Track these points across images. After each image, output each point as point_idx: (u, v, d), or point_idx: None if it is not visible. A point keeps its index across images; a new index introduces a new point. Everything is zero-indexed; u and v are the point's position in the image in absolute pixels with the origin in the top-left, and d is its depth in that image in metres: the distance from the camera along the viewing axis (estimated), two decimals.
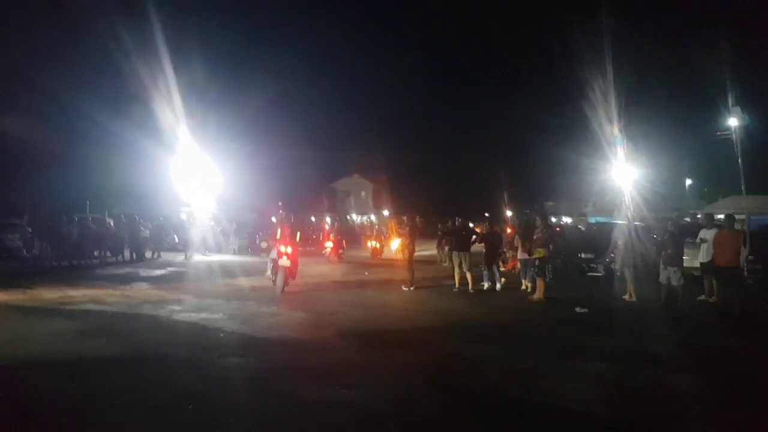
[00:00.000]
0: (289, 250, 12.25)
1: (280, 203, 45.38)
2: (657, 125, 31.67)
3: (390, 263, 20.81)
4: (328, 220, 47.69)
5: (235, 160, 32.56)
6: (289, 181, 51.14)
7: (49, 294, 11.77)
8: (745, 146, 23.15)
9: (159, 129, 27.87)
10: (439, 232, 22.48)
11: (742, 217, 29.44)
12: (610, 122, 24.97)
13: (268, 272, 12.93)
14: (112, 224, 22.84)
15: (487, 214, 35.63)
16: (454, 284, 13.34)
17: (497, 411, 5.10)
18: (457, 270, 13.42)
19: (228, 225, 29.77)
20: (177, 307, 10.32)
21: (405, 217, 16.52)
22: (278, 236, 12.63)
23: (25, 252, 19.81)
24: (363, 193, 65.82)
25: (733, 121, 22.48)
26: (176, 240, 26.88)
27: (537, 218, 12.88)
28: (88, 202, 27.89)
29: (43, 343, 7.40)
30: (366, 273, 18.04)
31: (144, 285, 13.83)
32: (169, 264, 20.21)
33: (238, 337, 7.83)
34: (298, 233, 13.56)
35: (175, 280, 15.19)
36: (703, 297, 11.39)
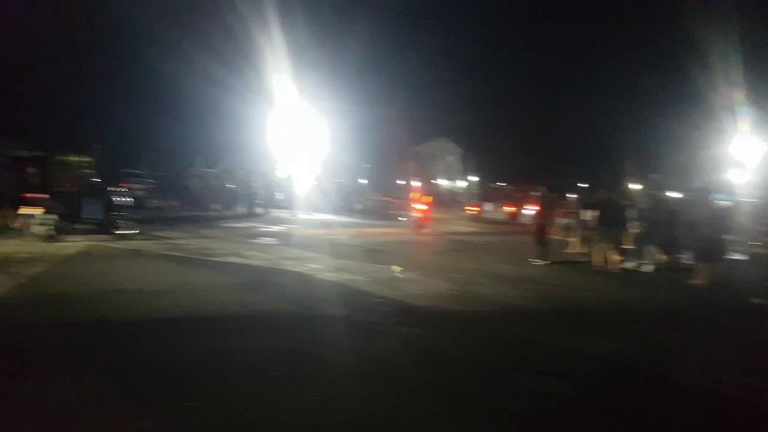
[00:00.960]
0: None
1: (368, 165, 45.31)
2: None
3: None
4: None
5: (333, 119, 32.63)
6: (375, 142, 50.86)
7: (189, 245, 12.05)
8: None
9: (264, 86, 28.12)
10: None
11: None
12: (731, 88, 22.49)
13: None
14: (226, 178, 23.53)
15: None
16: (591, 261, 12.41)
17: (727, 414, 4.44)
18: (600, 246, 12.41)
19: (329, 185, 29.96)
20: (316, 266, 10.22)
21: (543, 188, 15.56)
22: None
23: (149, 203, 20.71)
24: (450, 158, 64.57)
25: None
26: (281, 197, 27.36)
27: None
28: (197, 157, 28.91)
29: (208, 294, 7.41)
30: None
31: (270, 240, 13.96)
32: (281, 220, 20.48)
33: (398, 305, 7.48)
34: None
35: (296, 236, 15.28)
36: None
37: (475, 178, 60.62)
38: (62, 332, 5.47)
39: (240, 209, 22.18)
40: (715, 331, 7.28)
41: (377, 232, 18.69)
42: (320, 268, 10.05)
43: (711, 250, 10.94)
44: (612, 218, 12.53)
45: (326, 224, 19.85)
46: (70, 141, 18.50)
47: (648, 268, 12.33)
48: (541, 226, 13.45)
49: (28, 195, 11.53)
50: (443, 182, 58.03)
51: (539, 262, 12.59)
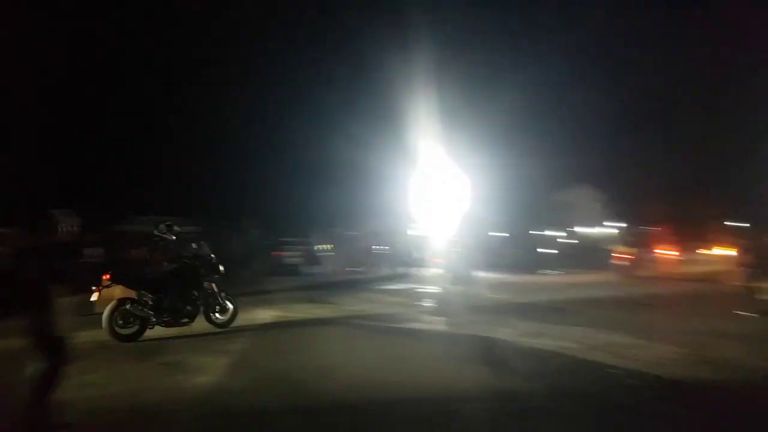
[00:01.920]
0: None
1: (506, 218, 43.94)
2: None
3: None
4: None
5: (476, 175, 32.11)
6: (514, 194, 49.45)
7: (364, 310, 11.84)
8: None
9: (406, 143, 28.21)
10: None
11: None
12: None
13: None
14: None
15: None
16: None
17: None
18: None
19: (470, 241, 29.22)
20: (509, 330, 9.40)
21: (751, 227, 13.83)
22: None
23: (302, 269, 21.31)
24: (592, 204, 61.22)
25: None
26: (418, 255, 27.07)
27: None
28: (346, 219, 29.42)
29: (427, 369, 6.88)
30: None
31: (431, 302, 13.48)
32: (431, 280, 19.97)
33: (643, 378, 6.42)
34: None
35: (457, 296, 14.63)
36: None
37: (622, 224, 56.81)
38: (304, 418, 5.15)
39: (384, 270, 22.12)
40: None
41: (535, 287, 17.62)
42: (516, 333, 9.22)
43: None
44: None
45: (484, 282, 19.05)
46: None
47: None
48: (755, 270, 11.76)
49: None
50: (584, 230, 54.95)
51: (753, 314, 10.88)
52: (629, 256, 21.71)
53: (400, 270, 22.68)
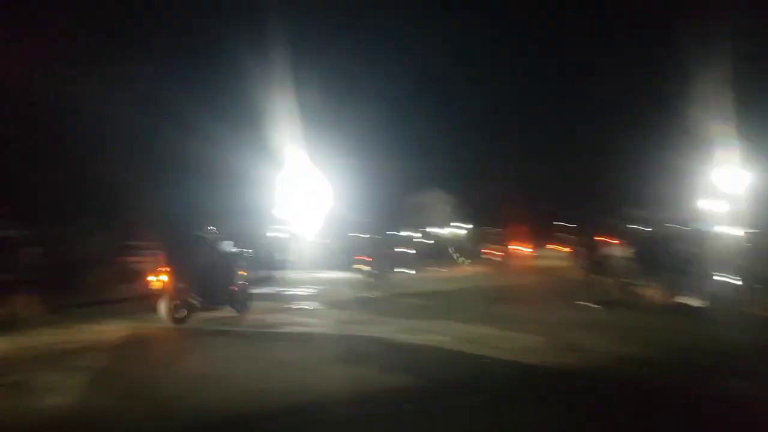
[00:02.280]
0: None
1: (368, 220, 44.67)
2: None
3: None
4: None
5: (337, 176, 32.31)
6: (371, 195, 50.54)
7: (232, 317, 11.22)
8: None
9: (268, 145, 27.72)
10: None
11: None
12: (717, 120, 22.98)
13: None
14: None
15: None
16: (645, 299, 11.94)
17: None
18: (650, 285, 12.03)
19: (333, 242, 29.34)
20: (385, 328, 9.55)
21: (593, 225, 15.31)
22: None
23: None
24: (443, 206, 64.49)
25: None
26: (281, 258, 26.54)
27: None
28: (200, 221, 27.90)
29: (310, 372, 6.65)
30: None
31: (312, 304, 13.22)
32: (299, 282, 19.68)
33: (516, 366, 6.79)
34: None
35: (332, 297, 14.53)
36: None
37: (469, 225, 60.55)
38: None
39: (254, 274, 21.27)
40: None
41: (398, 285, 18.10)
42: (392, 330, 9.35)
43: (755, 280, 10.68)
44: (658, 255, 12.31)
45: (349, 282, 19.15)
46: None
47: (696, 302, 11.94)
48: (595, 267, 13.07)
49: None
50: (436, 230, 57.68)
51: (592, 305, 12.15)
52: (499, 253, 24.96)
53: (263, 273, 21.96)
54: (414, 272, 26.02)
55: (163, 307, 9.91)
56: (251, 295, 11.75)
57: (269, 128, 26.16)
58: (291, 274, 22.34)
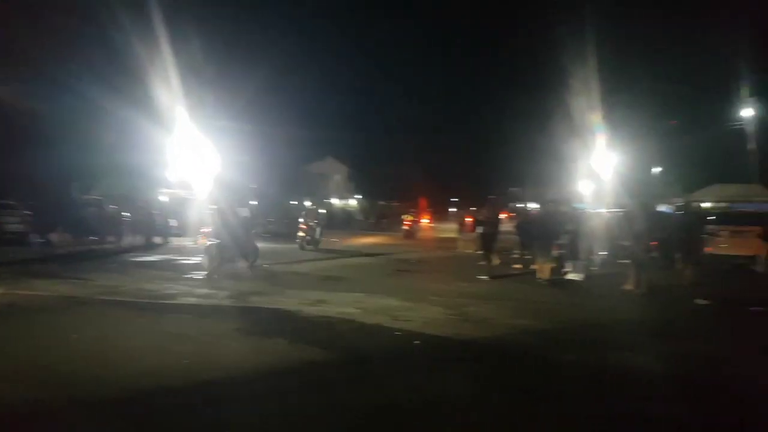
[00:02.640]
0: None
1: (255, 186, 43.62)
2: (637, 112, 32.37)
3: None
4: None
5: (226, 140, 31.13)
6: (264, 162, 49.30)
7: (124, 286, 10.53)
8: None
9: (151, 106, 26.21)
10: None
11: (725, 204, 30.37)
12: (591, 109, 25.25)
13: None
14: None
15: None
16: (536, 273, 12.71)
17: None
18: (541, 259, 12.83)
19: (228, 209, 28.26)
20: (288, 299, 9.38)
21: (489, 201, 15.87)
22: None
23: (32, 237, 17.95)
24: (337, 177, 64.47)
25: (747, 112, 22.99)
26: (175, 224, 25.26)
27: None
28: (76, 182, 25.79)
29: (220, 347, 6.37)
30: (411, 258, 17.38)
31: (204, 273, 12.67)
32: (192, 250, 18.81)
33: (422, 337, 6.95)
34: None
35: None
36: None
37: (359, 196, 61.24)
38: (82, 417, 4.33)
39: (137, 240, 20.04)
40: (711, 335, 7.69)
41: (300, 255, 17.94)
42: (297, 302, 9.21)
43: (641, 256, 11.72)
44: (547, 231, 13.12)
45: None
46: None
47: (578, 276, 12.97)
48: (488, 242, 13.63)
49: None
50: (335, 201, 57.61)
51: (487, 278, 12.76)
52: (410, 223, 27.38)
53: (156, 239, 20.77)
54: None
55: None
56: None
57: (155, 88, 24.64)
58: (184, 242, 21.32)
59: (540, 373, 5.72)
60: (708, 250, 14.68)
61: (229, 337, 6.82)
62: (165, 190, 33.52)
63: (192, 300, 9.26)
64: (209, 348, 6.30)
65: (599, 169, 26.11)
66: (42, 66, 23.98)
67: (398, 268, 15.06)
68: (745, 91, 23.66)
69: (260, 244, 21.18)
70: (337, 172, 65.21)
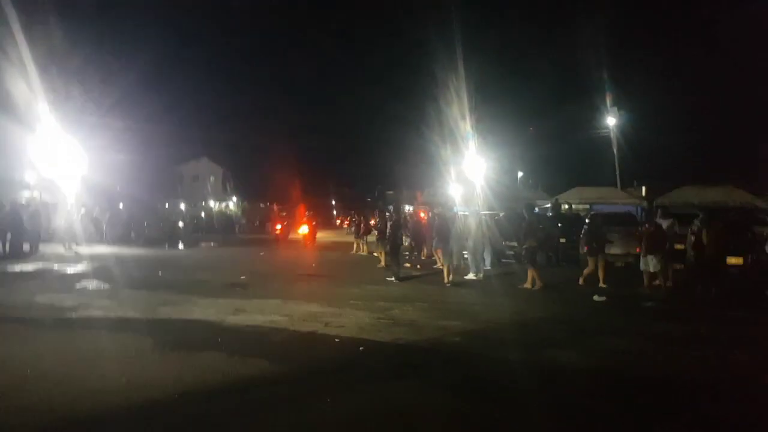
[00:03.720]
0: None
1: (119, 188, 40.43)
2: (502, 121, 35.11)
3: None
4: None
5: (96, 138, 28.77)
6: (135, 163, 46.02)
7: (11, 300, 9.32)
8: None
9: (12, 103, 23.73)
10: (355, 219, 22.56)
11: (586, 206, 33.72)
12: (463, 117, 27.10)
13: None
14: None
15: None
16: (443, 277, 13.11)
17: None
18: (448, 261, 13.26)
19: (100, 212, 26.05)
20: (204, 310, 8.83)
21: (391, 207, 16.04)
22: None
23: None
24: (212, 178, 61.80)
25: (611, 120, 25.65)
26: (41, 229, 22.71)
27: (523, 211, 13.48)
28: None
29: (138, 366, 5.83)
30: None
31: (99, 284, 11.57)
32: (70, 258, 17.11)
33: (364, 344, 6.90)
34: None
35: (124, 276, 12.93)
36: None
37: (235, 199, 59.28)
38: None
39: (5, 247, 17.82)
40: (619, 330, 8.44)
41: (188, 261, 17.05)
42: (212, 311, 8.70)
43: (530, 256, 12.65)
44: (449, 234, 13.68)
45: (132, 259, 17.34)
46: None
47: (476, 276, 13.69)
48: (395, 244, 13.85)
49: None
50: (212, 204, 55.15)
51: (395, 280, 13.00)
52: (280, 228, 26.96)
53: (25, 247, 18.56)
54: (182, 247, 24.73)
55: None
56: None
57: (12, 82, 22.36)
58: (53, 249, 19.28)
59: (487, 372, 5.91)
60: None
61: (153, 352, 6.28)
62: (26, 194, 30.15)
63: (96, 313, 8.42)
64: (134, 366, 5.73)
65: (470, 173, 27.51)
66: None
67: (299, 273, 14.78)
68: (604, 99, 26.15)
69: (131, 251, 20.00)
70: (212, 173, 62.61)
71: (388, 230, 14.26)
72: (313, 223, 26.64)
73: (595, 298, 10.91)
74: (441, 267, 13.71)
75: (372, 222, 19.87)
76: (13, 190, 27.46)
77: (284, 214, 37.43)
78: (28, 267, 14.31)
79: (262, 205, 59.82)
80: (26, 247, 18.68)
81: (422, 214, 19.33)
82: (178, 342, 6.75)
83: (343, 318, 8.45)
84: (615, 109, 25.36)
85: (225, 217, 43.50)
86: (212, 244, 27.20)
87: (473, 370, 5.97)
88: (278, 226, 30.38)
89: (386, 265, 13.56)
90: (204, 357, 6.13)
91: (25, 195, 29.82)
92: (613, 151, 25.24)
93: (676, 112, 39.14)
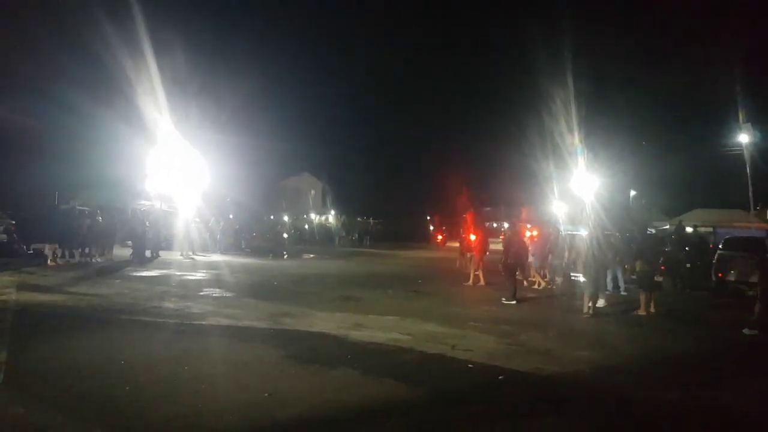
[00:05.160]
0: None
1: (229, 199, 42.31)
2: (614, 135, 33.02)
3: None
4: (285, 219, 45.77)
5: (210, 153, 30.38)
6: (243, 176, 48.32)
7: (142, 303, 9.77)
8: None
9: (135, 118, 25.42)
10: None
11: (709, 229, 30.91)
12: (571, 132, 25.56)
13: None
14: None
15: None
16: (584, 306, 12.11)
17: None
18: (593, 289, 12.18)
19: (215, 222, 27.33)
20: (324, 323, 8.79)
21: (516, 224, 15.51)
22: None
23: (17, 247, 16.78)
24: (313, 192, 63.64)
25: (743, 138, 23.43)
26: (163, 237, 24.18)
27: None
28: (57, 193, 24.61)
29: (270, 375, 5.76)
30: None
31: (221, 291, 11.95)
32: (189, 266, 17.98)
33: (496, 370, 6.47)
34: None
35: (240, 284, 13.31)
36: None
37: (333, 212, 60.56)
38: None
39: (124, 253, 19.07)
40: None
41: (303, 271, 17.29)
42: (332, 325, 8.64)
43: (649, 281, 11.62)
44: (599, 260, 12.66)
45: (245, 268, 17.94)
46: None
47: (602, 303, 12.63)
48: (513, 265, 13.21)
49: None
50: (312, 217, 56.75)
51: (513, 302, 12.34)
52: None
53: (147, 253, 19.76)
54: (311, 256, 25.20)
55: None
56: None
57: (138, 100, 24.02)
58: (171, 255, 20.40)
59: (644, 414, 5.29)
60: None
61: (289, 364, 6.21)
62: (145, 203, 32.40)
63: (225, 321, 8.58)
64: (277, 378, 5.68)
65: (579, 191, 26.16)
66: (25, 79, 23.20)
67: (412, 289, 14.45)
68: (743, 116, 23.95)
69: (242, 259, 20.73)
70: (312, 187, 64.47)
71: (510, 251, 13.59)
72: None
73: (746, 331, 9.73)
74: (539, 287, 12.95)
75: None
76: (135, 198, 29.55)
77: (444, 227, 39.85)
78: (152, 272, 15.10)
79: (360, 219, 60.66)
80: (148, 253, 19.90)
81: (528, 233, 18.33)
82: (308, 355, 6.65)
83: (467, 341, 8.02)
84: (749, 125, 23.14)
85: (325, 230, 44.48)
86: (315, 255, 27.67)
87: (629, 408, 5.35)
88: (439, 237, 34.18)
89: (510, 285, 12.89)
90: (339, 374, 5.96)
91: (145, 203, 32.10)
92: (746, 171, 23.02)
93: None
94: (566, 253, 15.89)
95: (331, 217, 57.87)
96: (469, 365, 6.63)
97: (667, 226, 23.84)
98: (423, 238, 47.66)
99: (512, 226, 15.33)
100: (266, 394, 5.10)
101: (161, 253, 20.92)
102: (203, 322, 8.38)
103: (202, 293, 11.59)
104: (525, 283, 15.56)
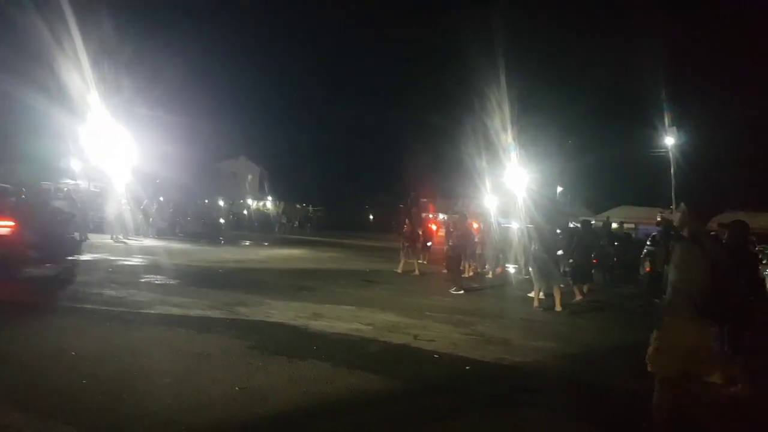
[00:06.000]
0: None
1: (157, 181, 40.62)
2: (545, 132, 34.35)
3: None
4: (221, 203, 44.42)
5: (142, 130, 28.91)
6: (177, 156, 46.33)
7: (84, 289, 9.15)
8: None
9: (57, 88, 23.71)
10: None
11: (632, 225, 32.70)
12: (504, 129, 26.51)
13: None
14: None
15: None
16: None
17: None
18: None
19: (148, 204, 26.05)
20: (280, 312, 8.53)
21: (457, 214, 15.61)
22: None
23: None
24: (250, 177, 61.99)
25: (669, 140, 24.82)
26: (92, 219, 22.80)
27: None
28: None
29: (224, 366, 5.51)
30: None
31: (164, 278, 11.36)
32: (123, 250, 17.07)
33: (469, 362, 6.42)
34: None
35: (183, 270, 12.73)
36: None
37: (270, 198, 59.55)
38: None
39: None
40: None
41: (247, 258, 16.81)
42: (290, 315, 8.39)
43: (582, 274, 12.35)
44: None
45: (184, 253, 17.26)
46: None
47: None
48: (457, 255, 13.36)
49: None
50: (250, 203, 55.32)
51: (461, 291, 12.48)
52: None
53: (76, 236, 18.49)
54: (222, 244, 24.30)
55: None
56: None
57: (60, 68, 22.42)
58: (100, 239, 19.26)
59: (611, 402, 5.46)
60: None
61: (254, 356, 5.95)
62: (69, 181, 30.43)
63: (174, 310, 8.13)
64: (245, 371, 5.42)
65: (511, 185, 26.92)
66: None
67: (361, 278, 14.34)
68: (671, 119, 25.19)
69: (177, 245, 19.86)
70: (250, 172, 62.83)
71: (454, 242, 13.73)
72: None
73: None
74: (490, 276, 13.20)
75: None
76: (58, 176, 27.74)
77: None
78: (83, 257, 14.17)
79: (298, 206, 59.84)
80: (77, 236, 18.63)
81: (474, 225, 18.60)
82: (272, 347, 6.39)
83: (429, 331, 7.99)
84: (674, 128, 24.46)
85: (263, 216, 43.51)
86: (254, 242, 26.95)
87: (603, 397, 5.50)
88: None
89: (455, 275, 13.03)
90: (309, 366, 5.75)
91: (70, 182, 30.14)
92: (671, 171, 24.35)
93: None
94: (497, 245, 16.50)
95: (269, 203, 56.74)
96: (435, 355, 6.61)
97: (594, 222, 24.74)
98: (364, 227, 47.54)
99: (455, 217, 15.46)
100: (237, 388, 4.85)
101: (90, 236, 19.69)
102: (151, 311, 7.91)
103: (143, 280, 10.99)
104: (471, 273, 15.86)
